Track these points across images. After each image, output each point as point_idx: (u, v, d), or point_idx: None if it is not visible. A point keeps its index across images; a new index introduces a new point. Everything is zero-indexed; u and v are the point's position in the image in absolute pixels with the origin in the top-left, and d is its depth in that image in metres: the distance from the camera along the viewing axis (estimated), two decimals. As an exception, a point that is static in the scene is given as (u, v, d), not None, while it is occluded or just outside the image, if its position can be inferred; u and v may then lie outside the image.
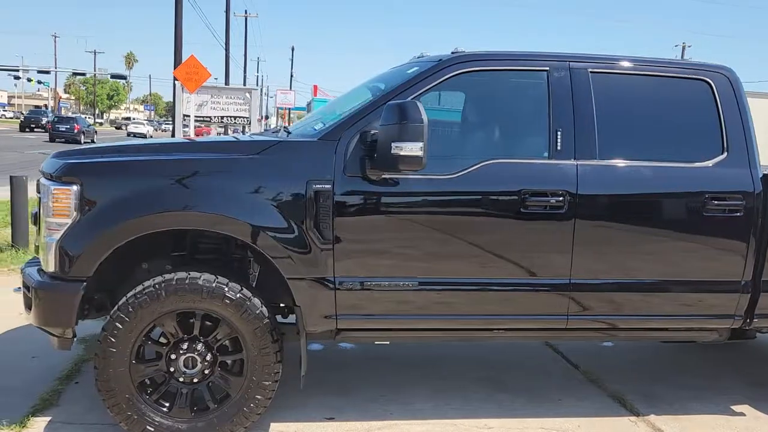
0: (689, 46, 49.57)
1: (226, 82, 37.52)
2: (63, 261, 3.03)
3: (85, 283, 3.04)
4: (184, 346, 3.13)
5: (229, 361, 3.19)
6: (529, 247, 3.29)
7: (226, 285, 3.07)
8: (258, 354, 3.13)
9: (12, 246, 7.05)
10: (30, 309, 3.16)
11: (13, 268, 6.56)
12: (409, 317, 3.30)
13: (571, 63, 3.41)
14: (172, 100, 24.67)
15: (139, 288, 3.04)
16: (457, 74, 3.32)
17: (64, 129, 36.05)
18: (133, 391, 3.10)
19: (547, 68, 3.40)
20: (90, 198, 3.03)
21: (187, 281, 3.04)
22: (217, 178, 3.11)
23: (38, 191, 3.30)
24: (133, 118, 79.80)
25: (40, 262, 3.40)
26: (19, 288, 3.46)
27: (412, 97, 3.22)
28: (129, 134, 51.42)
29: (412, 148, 2.86)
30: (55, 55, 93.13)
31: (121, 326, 3.02)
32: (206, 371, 3.16)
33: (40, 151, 26.97)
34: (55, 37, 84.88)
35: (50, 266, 3.07)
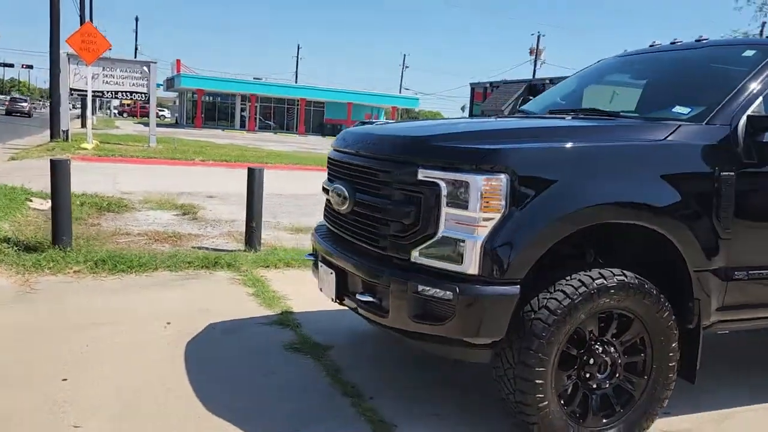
0: (543, 35, 53.26)
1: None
2: (494, 262, 2.63)
3: (520, 286, 2.67)
4: (600, 349, 2.87)
5: (632, 362, 2.97)
6: None
7: (646, 282, 2.86)
8: (666, 352, 2.95)
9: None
10: (439, 320, 2.71)
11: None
12: None
13: None
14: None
15: (569, 289, 2.72)
16: None
17: (19, 106, 47.88)
18: (556, 402, 2.79)
19: None
20: (523, 189, 2.65)
21: (615, 279, 2.78)
22: (639, 166, 2.87)
23: (382, 181, 2.87)
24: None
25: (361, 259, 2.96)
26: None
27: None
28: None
29: None
30: None
31: (556, 330, 2.70)
32: (616, 374, 2.93)
33: None
34: None
35: (472, 268, 2.65)
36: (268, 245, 6.92)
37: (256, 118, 53.09)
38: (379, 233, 2.99)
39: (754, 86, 3.16)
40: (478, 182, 2.62)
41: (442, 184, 2.71)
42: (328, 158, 3.73)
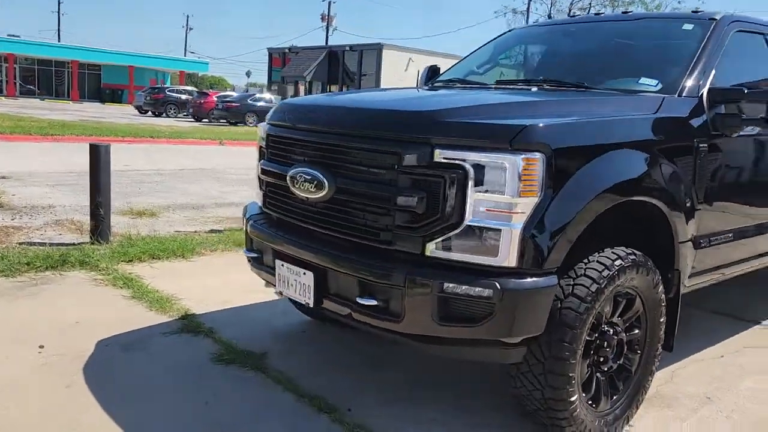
0: (334, 2, 53.39)
1: None
2: (534, 251, 2.37)
3: (556, 276, 2.44)
4: (611, 331, 2.77)
5: (630, 339, 2.93)
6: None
7: (649, 259, 2.81)
8: (656, 326, 2.96)
9: None
10: (473, 321, 2.37)
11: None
12: (729, 266, 3.51)
13: None
14: None
15: (594, 273, 2.56)
16: (736, 32, 3.51)
17: None
18: (580, 393, 2.64)
19: (765, 32, 3.84)
20: (557, 168, 2.40)
21: (629, 258, 2.68)
22: (646, 140, 2.79)
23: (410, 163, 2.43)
24: None
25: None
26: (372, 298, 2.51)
27: (720, 56, 3.33)
28: None
29: None
30: None
31: (586, 316, 2.53)
32: (622, 354, 2.86)
33: None
34: None
35: (509, 259, 2.35)
36: (118, 235, 5.89)
37: (15, 83, 46.01)
38: (379, 225, 2.55)
39: (707, 59, 3.26)
40: (517, 163, 2.31)
41: (468, 167, 2.35)
42: (269, 135, 3.14)
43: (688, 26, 3.53)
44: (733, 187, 3.42)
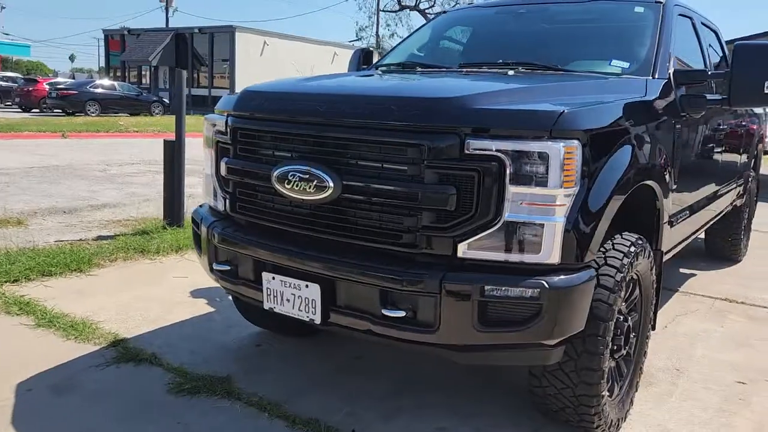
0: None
1: None
2: (576, 246, 2.23)
3: (594, 269, 2.33)
4: (621, 318, 2.73)
5: (633, 323, 2.91)
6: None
7: (649, 244, 2.81)
8: (649, 308, 2.98)
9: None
10: (518, 324, 2.18)
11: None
12: (681, 242, 3.64)
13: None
14: None
15: (616, 262, 2.48)
16: (678, 15, 3.64)
17: None
18: (606, 387, 2.57)
19: (691, 16, 4.04)
20: (590, 156, 2.27)
21: (638, 244, 2.65)
22: (646, 123, 2.75)
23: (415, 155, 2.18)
24: None
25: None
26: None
27: (672, 36, 3.43)
28: None
29: None
30: None
31: (615, 307, 2.46)
32: (629, 339, 2.83)
33: None
34: None
35: (552, 256, 2.20)
36: (-15, 250, 4.99)
37: None
38: (400, 227, 2.27)
39: (666, 42, 3.33)
40: (559, 152, 2.14)
41: (505, 158, 2.15)
42: (238, 129, 2.71)
43: (639, 9, 3.58)
44: (695, 165, 3.56)
